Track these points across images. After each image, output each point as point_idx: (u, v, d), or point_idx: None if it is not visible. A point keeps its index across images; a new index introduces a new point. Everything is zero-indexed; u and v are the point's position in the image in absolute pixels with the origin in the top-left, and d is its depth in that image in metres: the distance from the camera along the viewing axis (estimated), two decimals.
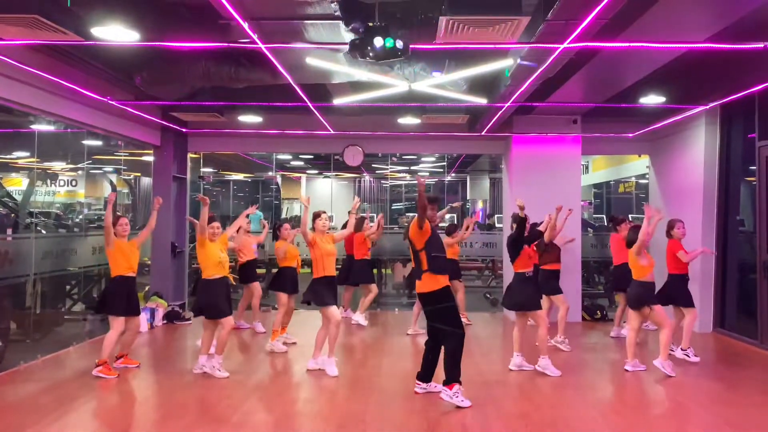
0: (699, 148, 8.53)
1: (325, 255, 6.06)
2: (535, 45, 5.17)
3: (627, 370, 6.23)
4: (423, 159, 16.44)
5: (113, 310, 6.05)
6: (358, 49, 4.82)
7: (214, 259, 6.06)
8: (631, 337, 6.31)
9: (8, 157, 12.05)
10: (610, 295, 10.21)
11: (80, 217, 12.99)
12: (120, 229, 6.17)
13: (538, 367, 6.14)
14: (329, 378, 5.97)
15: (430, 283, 5.16)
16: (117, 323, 6.01)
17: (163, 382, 5.93)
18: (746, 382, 6.12)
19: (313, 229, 6.22)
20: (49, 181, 14.59)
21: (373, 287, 9.02)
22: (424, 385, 5.44)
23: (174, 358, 6.78)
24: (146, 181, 10.90)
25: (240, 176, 18.25)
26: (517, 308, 6.29)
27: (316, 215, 6.23)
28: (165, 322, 8.87)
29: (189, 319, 8.78)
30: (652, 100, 7.73)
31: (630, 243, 6.24)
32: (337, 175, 18.30)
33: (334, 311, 6.03)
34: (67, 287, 8.86)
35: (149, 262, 9.49)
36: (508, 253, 6.38)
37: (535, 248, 6.51)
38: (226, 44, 5.68)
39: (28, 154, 11.63)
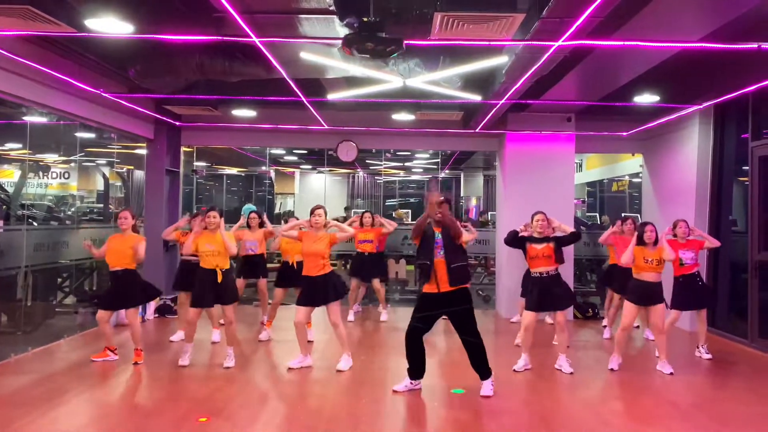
0: (692, 148, 8.57)
1: (303, 255, 6.16)
2: (529, 42, 5.18)
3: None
4: (417, 155, 16.44)
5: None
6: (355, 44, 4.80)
7: (199, 249, 6.17)
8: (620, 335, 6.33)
9: (0, 148, 11.98)
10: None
11: (72, 209, 12.93)
12: (119, 222, 6.34)
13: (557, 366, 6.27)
14: (322, 372, 6.03)
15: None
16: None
17: (155, 375, 5.93)
18: (735, 380, 6.18)
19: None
20: (41, 173, 14.49)
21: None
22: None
23: (166, 351, 6.79)
24: (139, 174, 10.86)
25: (233, 170, 18.19)
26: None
27: (311, 212, 6.21)
28: (157, 315, 8.89)
29: None
30: (646, 99, 7.75)
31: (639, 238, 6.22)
32: (330, 170, 18.27)
33: (297, 310, 6.11)
34: (59, 280, 8.83)
35: None
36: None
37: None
38: (220, 38, 5.65)
39: (20, 145, 11.55)
